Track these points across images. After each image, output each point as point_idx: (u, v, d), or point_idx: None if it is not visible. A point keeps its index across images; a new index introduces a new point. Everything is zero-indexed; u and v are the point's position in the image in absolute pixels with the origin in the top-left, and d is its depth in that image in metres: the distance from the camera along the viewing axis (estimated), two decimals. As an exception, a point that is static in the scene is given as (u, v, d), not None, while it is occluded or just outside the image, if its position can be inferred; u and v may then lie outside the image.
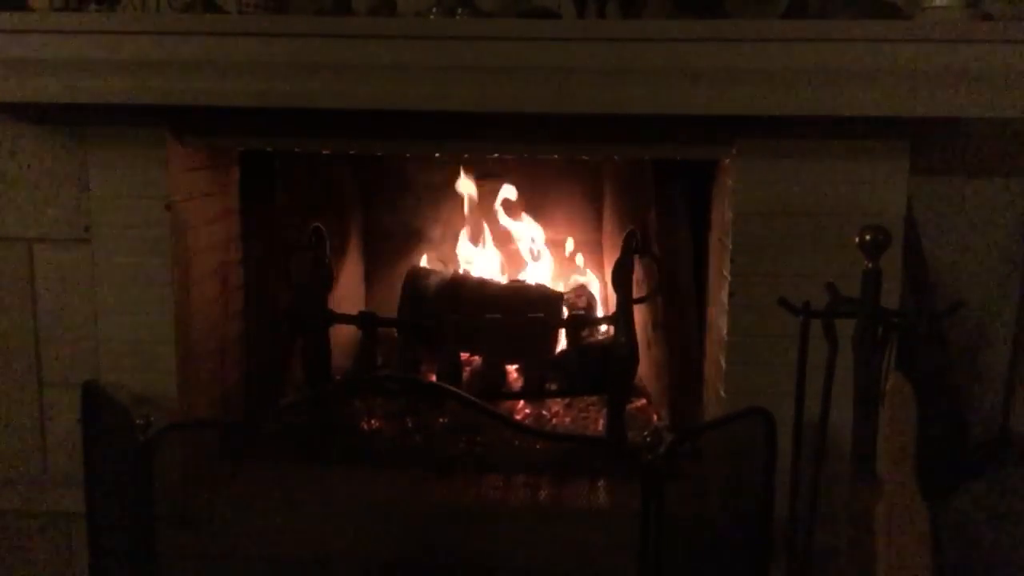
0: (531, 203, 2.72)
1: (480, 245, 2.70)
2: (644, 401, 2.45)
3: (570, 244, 2.73)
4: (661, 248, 2.21)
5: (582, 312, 2.51)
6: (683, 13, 1.86)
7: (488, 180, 2.71)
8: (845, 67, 1.68)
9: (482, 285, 2.53)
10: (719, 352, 2.00)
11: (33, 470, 2.11)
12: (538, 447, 2.21)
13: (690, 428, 2.15)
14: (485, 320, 2.35)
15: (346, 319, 2.34)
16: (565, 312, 2.46)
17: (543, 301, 2.44)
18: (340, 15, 1.91)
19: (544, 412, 2.39)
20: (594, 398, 2.40)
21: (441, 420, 2.32)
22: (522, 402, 2.40)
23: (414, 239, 2.79)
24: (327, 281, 2.32)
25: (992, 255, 2.06)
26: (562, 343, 2.44)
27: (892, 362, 1.50)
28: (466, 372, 2.42)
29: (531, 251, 2.70)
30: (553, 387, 2.37)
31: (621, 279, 2.17)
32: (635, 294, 2.19)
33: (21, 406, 2.09)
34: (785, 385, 1.62)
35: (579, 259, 2.73)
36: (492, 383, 2.36)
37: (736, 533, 1.74)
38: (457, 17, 1.82)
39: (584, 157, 2.47)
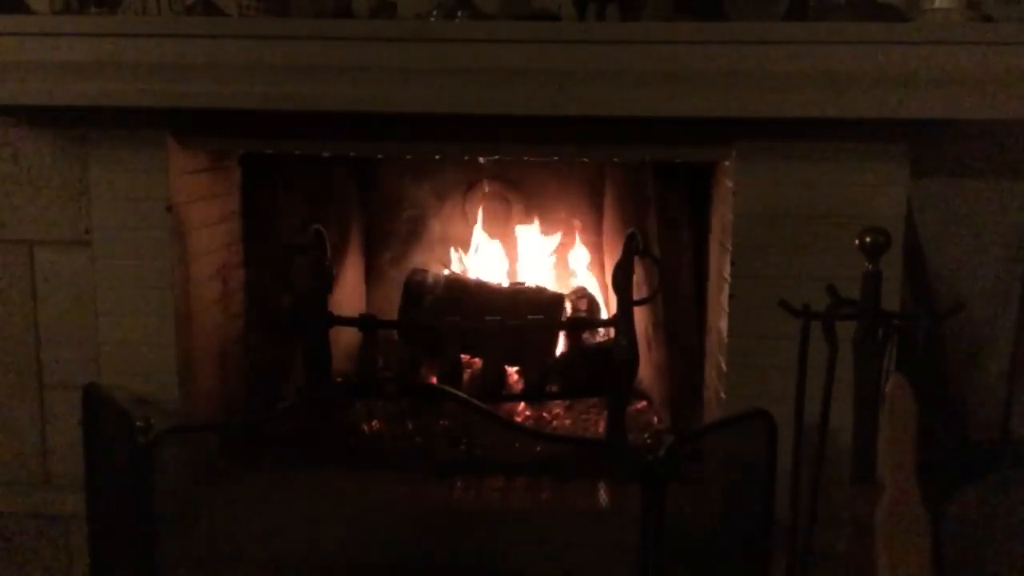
0: (531, 204, 2.72)
1: (480, 250, 2.71)
2: (644, 403, 2.45)
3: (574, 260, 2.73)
4: (661, 250, 2.21)
5: (582, 314, 2.51)
6: (683, 16, 1.87)
7: (488, 182, 2.72)
8: (845, 69, 1.69)
9: (482, 287, 2.53)
10: (719, 354, 2.00)
11: (34, 472, 2.11)
12: (538, 449, 2.21)
13: (690, 430, 2.15)
14: (485, 322, 2.35)
15: (346, 321, 2.34)
16: (565, 314, 2.46)
17: (544, 303, 2.44)
18: (340, 18, 1.91)
19: (545, 414, 2.39)
20: (594, 400, 2.40)
21: (441, 422, 2.32)
22: (522, 404, 2.41)
23: (414, 241, 2.79)
24: (327, 283, 2.32)
25: (992, 256, 2.06)
26: (562, 345, 2.44)
27: (892, 364, 1.51)
28: (466, 374, 2.42)
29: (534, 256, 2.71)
30: (554, 389, 2.37)
31: (621, 281, 2.18)
32: (635, 296, 2.19)
33: (22, 408, 2.09)
34: (785, 387, 1.62)
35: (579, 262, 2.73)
36: (492, 385, 2.36)
37: (736, 534, 1.74)
38: (457, 20, 1.83)
39: (584, 159, 2.47)
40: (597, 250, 2.75)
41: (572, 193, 2.73)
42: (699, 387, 2.24)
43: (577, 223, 2.73)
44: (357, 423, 2.34)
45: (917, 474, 1.43)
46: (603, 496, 2.07)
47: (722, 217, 2.00)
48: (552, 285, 2.61)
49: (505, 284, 2.61)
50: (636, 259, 2.17)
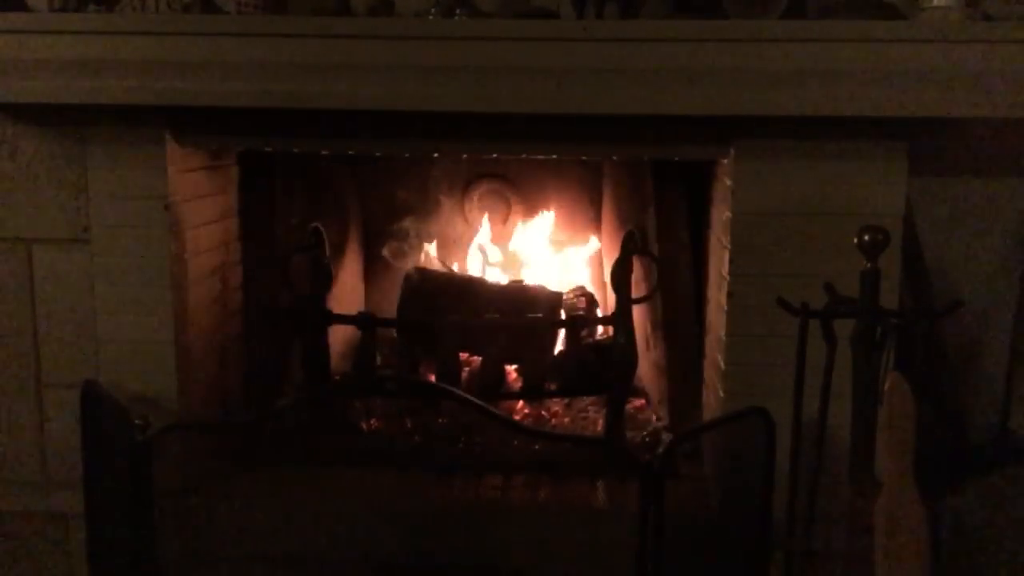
0: (530, 203, 2.72)
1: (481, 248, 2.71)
2: (643, 401, 2.45)
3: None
4: (660, 248, 2.21)
5: (581, 312, 2.50)
6: (681, 14, 1.87)
7: (487, 180, 2.72)
8: (844, 68, 1.69)
9: (481, 285, 2.53)
10: (718, 352, 2.00)
11: (32, 470, 2.11)
12: (537, 447, 2.21)
13: (689, 428, 2.15)
14: (484, 320, 2.35)
15: (345, 319, 2.34)
16: (564, 312, 2.46)
17: (542, 301, 2.44)
18: (339, 15, 1.91)
19: (543, 412, 2.39)
20: (593, 398, 2.40)
21: (440, 420, 2.32)
22: (521, 402, 2.40)
23: (413, 239, 2.78)
24: (326, 281, 2.32)
25: (991, 255, 2.06)
26: (561, 343, 2.44)
27: (891, 362, 1.51)
28: (465, 372, 2.42)
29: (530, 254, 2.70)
30: (552, 387, 2.37)
31: (620, 279, 2.17)
32: (634, 294, 2.19)
33: (20, 406, 2.09)
34: (784, 385, 1.62)
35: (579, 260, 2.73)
36: (491, 383, 2.36)
37: (735, 533, 1.74)
38: (456, 17, 1.83)
39: (583, 157, 2.47)
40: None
41: (571, 191, 2.73)
42: (698, 385, 2.24)
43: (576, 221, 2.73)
44: (356, 421, 2.34)
45: (915, 473, 1.43)
46: (602, 494, 2.07)
47: (721, 215, 2.00)
48: (551, 283, 2.61)
49: (504, 282, 2.61)
50: (635, 257, 2.17)
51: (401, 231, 2.77)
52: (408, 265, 2.68)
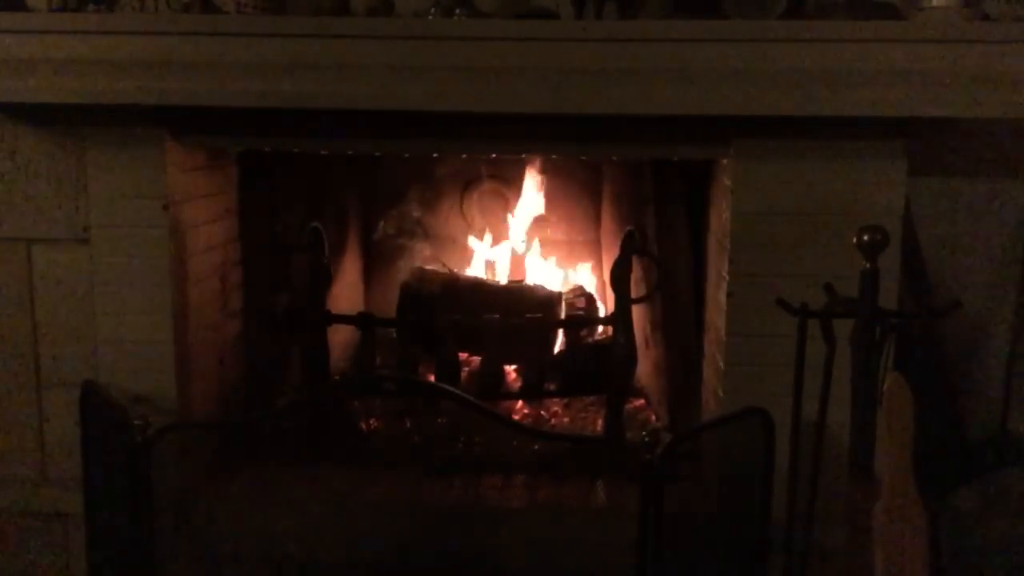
0: (529, 202, 2.72)
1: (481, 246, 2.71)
2: (642, 401, 2.45)
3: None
4: (660, 248, 2.21)
5: (581, 312, 2.51)
6: (681, 14, 1.87)
7: (487, 180, 2.72)
8: (843, 68, 1.69)
9: (481, 285, 2.53)
10: (717, 352, 2.00)
11: (32, 470, 2.11)
12: (536, 447, 2.21)
13: (688, 428, 2.15)
14: (484, 320, 2.35)
15: (345, 319, 2.34)
16: (564, 312, 2.46)
17: (542, 301, 2.44)
18: (338, 15, 1.91)
19: (543, 412, 2.39)
20: (593, 398, 2.40)
21: (440, 420, 2.32)
22: (521, 402, 2.40)
23: (413, 239, 2.79)
24: (325, 281, 2.32)
25: (990, 255, 2.06)
26: (561, 343, 2.44)
27: (890, 362, 1.51)
28: (465, 372, 2.42)
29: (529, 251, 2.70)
30: (552, 387, 2.37)
31: (620, 279, 2.17)
32: (634, 294, 2.19)
33: (19, 406, 2.09)
34: (783, 385, 1.62)
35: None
36: (491, 383, 2.36)
37: (734, 533, 1.74)
38: (455, 17, 1.83)
39: (582, 157, 2.47)
40: (595, 248, 2.75)
41: (570, 191, 2.73)
42: (697, 385, 2.24)
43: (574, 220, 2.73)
44: (355, 421, 2.34)
45: (915, 472, 1.43)
46: (601, 494, 2.07)
47: (720, 215, 2.00)
48: (550, 283, 2.61)
49: (503, 282, 2.61)
50: (634, 257, 2.17)
51: (401, 230, 2.77)
52: (407, 264, 2.68)
